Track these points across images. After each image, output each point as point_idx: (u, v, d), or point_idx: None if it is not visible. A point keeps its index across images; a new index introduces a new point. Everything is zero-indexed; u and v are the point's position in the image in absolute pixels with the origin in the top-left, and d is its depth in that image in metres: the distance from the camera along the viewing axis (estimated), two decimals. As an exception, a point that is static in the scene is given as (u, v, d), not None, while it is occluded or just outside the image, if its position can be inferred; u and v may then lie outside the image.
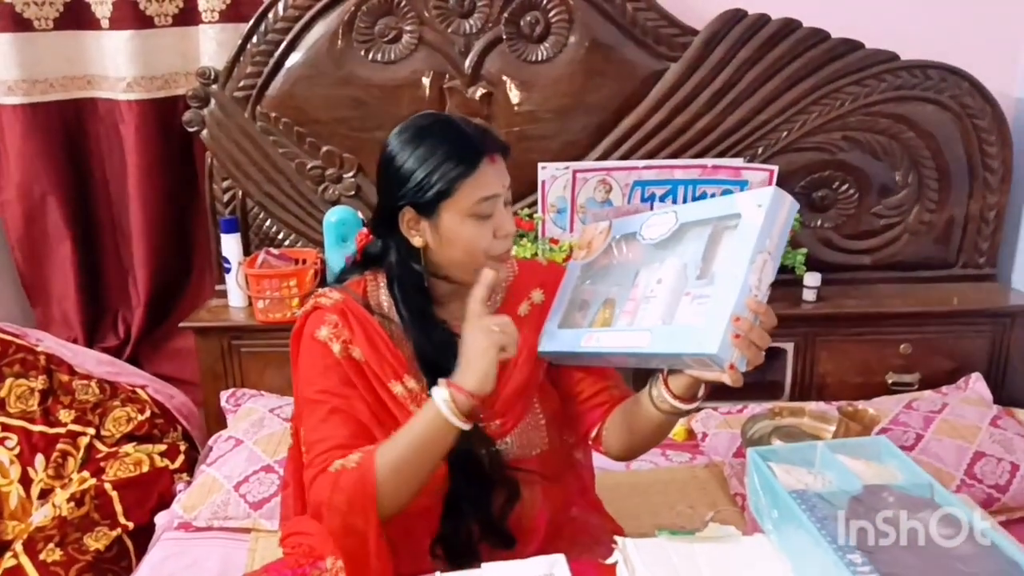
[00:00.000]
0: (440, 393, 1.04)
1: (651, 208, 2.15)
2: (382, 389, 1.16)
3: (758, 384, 2.13)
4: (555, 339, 1.19)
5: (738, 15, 2.11)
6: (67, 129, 2.27)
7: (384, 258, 1.21)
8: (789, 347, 2.12)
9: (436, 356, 1.16)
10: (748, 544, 0.97)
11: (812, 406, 1.89)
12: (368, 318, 1.18)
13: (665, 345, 1.00)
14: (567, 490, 1.32)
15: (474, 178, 1.10)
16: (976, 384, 2.05)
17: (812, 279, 2.14)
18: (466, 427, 1.05)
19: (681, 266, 1.07)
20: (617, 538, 0.98)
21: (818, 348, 2.14)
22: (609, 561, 0.97)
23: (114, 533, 1.78)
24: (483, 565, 0.97)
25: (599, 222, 1.26)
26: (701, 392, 1.07)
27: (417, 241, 1.16)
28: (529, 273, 1.31)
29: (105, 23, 2.18)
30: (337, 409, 1.12)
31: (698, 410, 1.14)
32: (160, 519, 1.78)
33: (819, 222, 2.25)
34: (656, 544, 0.96)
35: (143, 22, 2.17)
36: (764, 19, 2.11)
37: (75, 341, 2.31)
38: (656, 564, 0.93)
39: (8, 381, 1.99)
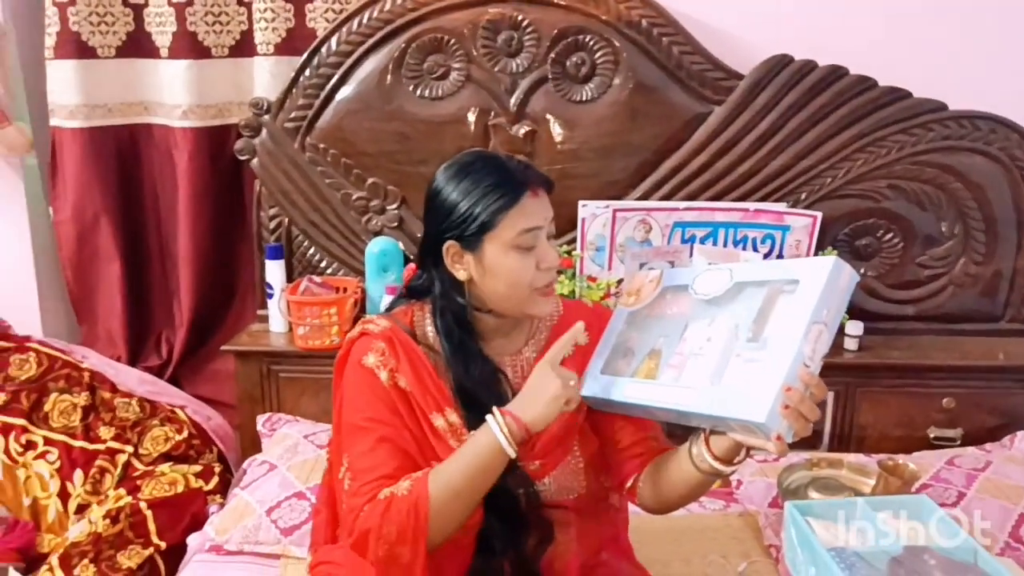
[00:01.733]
0: (496, 419, 1.06)
1: (690, 250, 2.15)
2: (424, 420, 1.16)
3: (796, 432, 2.10)
4: (597, 384, 1.19)
5: (784, 60, 2.11)
6: (122, 153, 2.34)
7: (429, 291, 1.23)
8: (829, 396, 2.09)
9: (475, 389, 1.17)
10: (784, 601, 0.95)
11: (851, 458, 1.85)
12: (414, 347, 1.19)
13: (711, 406, 0.99)
14: (601, 534, 1.31)
15: (516, 210, 1.12)
16: (1021, 442, 1.99)
17: (854, 328, 2.11)
18: (513, 454, 1.06)
19: (733, 326, 1.05)
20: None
21: (859, 398, 2.10)
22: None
23: (147, 552, 1.80)
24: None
25: (650, 270, 1.25)
26: (742, 455, 1.05)
27: (461, 274, 1.18)
28: (574, 314, 1.30)
29: (165, 52, 2.26)
30: (385, 438, 1.13)
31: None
32: (192, 540, 1.79)
33: (862, 270, 2.22)
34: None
35: (201, 52, 2.24)
36: (811, 65, 2.11)
37: (119, 359, 2.36)
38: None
39: (52, 396, 2.04)
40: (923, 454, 1.96)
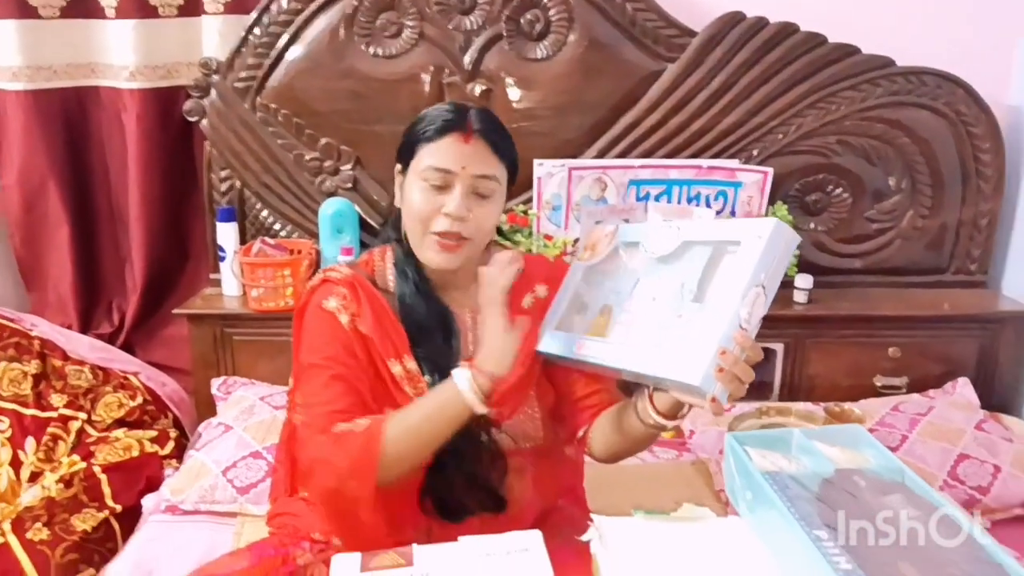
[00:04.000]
0: (463, 374, 1.06)
1: (645, 208, 2.17)
2: (382, 366, 1.17)
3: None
4: (552, 340, 1.20)
5: (736, 18, 2.13)
6: (69, 116, 2.28)
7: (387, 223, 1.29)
8: (779, 348, 2.13)
9: (425, 325, 1.18)
10: (722, 524, 0.98)
11: (799, 406, 1.90)
12: (375, 294, 1.20)
13: (651, 367, 1.01)
14: (558, 484, 1.33)
15: (435, 145, 1.15)
16: (963, 388, 2.06)
17: (804, 281, 2.15)
18: (483, 410, 1.06)
19: (679, 285, 1.06)
20: (593, 516, 0.98)
21: (808, 349, 2.15)
22: (584, 538, 0.98)
23: (101, 515, 1.78)
24: (460, 538, 0.97)
25: (606, 225, 1.26)
26: (685, 410, 1.07)
27: (398, 199, 1.23)
28: (535, 267, 1.32)
29: (111, 12, 2.20)
30: (340, 376, 1.13)
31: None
32: (147, 502, 1.79)
33: (812, 225, 2.27)
34: (631, 523, 0.97)
35: (148, 12, 2.19)
36: (762, 22, 2.13)
37: (70, 327, 2.32)
38: (631, 541, 0.93)
39: (2, 365, 2.00)
40: (869, 401, 2.02)
